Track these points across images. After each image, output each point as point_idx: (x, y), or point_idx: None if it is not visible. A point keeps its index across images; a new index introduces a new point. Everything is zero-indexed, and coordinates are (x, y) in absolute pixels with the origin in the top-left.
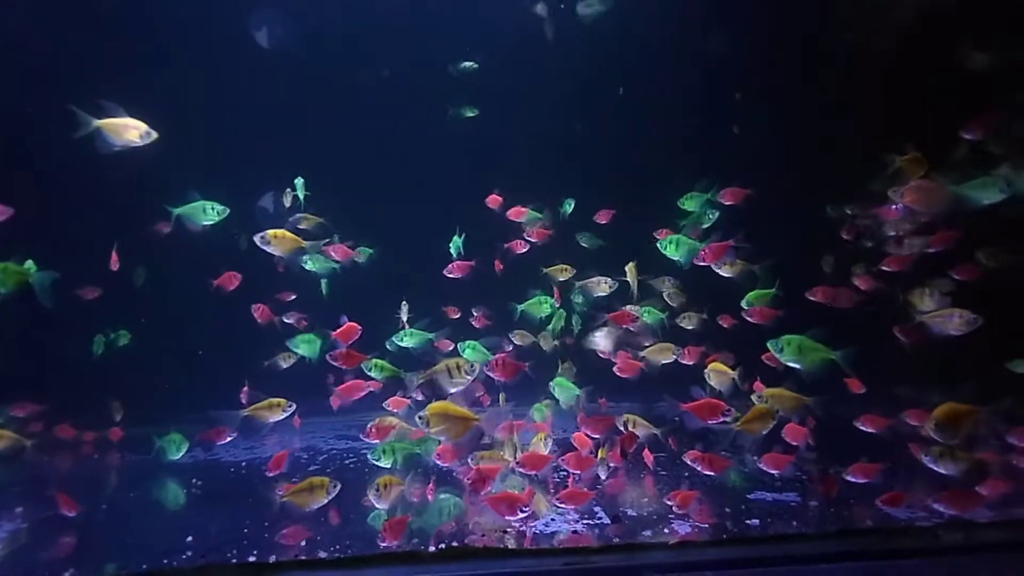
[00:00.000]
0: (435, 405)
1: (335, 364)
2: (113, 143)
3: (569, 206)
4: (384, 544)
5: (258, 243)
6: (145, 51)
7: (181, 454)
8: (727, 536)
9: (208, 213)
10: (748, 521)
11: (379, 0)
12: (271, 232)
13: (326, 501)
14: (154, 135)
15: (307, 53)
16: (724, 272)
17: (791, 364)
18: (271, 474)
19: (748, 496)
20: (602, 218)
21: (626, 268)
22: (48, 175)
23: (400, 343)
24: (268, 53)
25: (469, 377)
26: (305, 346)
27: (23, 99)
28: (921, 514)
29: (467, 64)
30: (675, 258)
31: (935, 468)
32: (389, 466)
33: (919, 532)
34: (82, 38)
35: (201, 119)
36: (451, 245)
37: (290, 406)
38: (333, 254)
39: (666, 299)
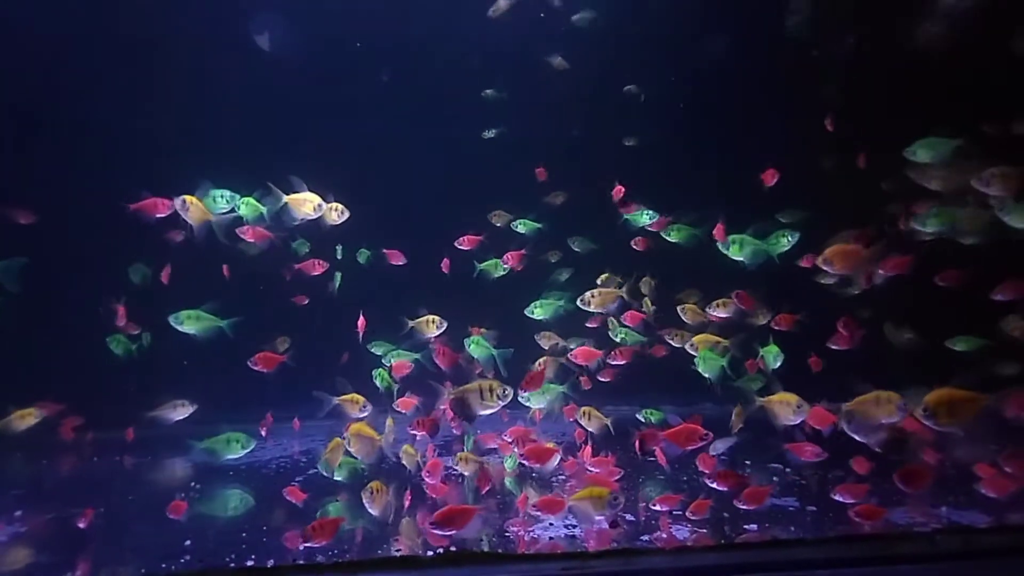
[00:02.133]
0: (354, 426)
1: (255, 368)
2: (295, 216)
3: (647, 217)
4: (307, 544)
5: (178, 207)
6: (148, 53)
7: (243, 452)
8: (725, 541)
9: (218, 202)
10: (746, 526)
11: (379, 4)
12: (188, 196)
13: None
14: (324, 208)
15: (307, 56)
16: (719, 313)
17: (708, 376)
18: (172, 516)
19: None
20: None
21: (641, 283)
22: (54, 178)
23: (387, 361)
24: (269, 56)
25: (501, 402)
26: (190, 322)
27: (27, 100)
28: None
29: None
30: (739, 259)
31: (855, 437)
32: (341, 479)
33: (917, 537)
34: (86, 38)
35: (202, 123)
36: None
37: (366, 406)
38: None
39: (680, 314)
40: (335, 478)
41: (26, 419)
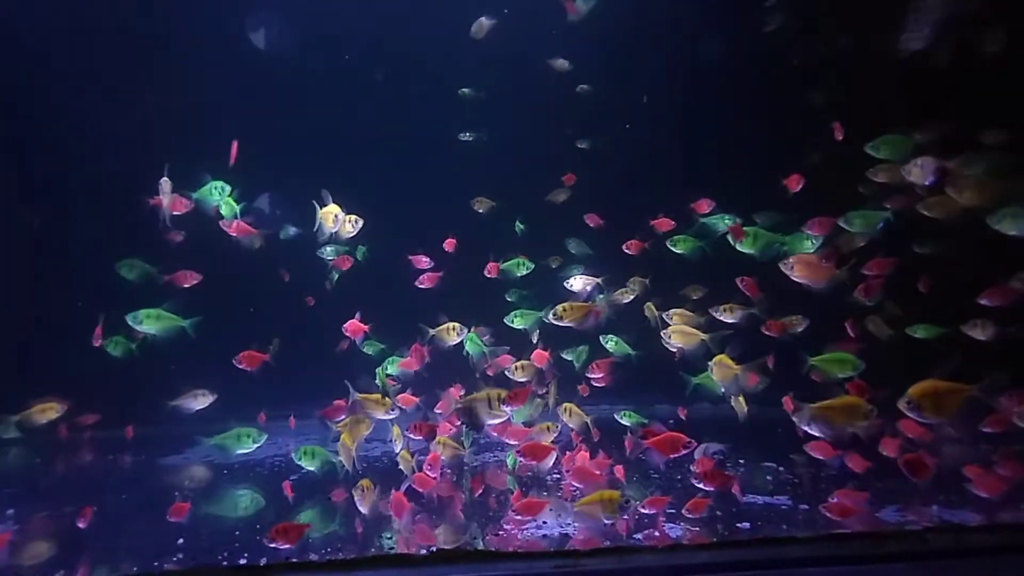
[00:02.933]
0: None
1: (239, 366)
2: (325, 230)
3: (728, 222)
4: (272, 545)
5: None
6: (145, 54)
7: (254, 447)
8: (718, 539)
9: (214, 194)
10: (739, 524)
11: (374, 4)
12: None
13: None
14: (341, 219)
15: (302, 55)
16: (725, 318)
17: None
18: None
19: (739, 499)
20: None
21: (645, 306)
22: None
23: (386, 370)
24: (264, 54)
25: (507, 411)
26: (150, 322)
27: (27, 100)
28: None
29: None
30: (750, 252)
31: (807, 430)
32: (314, 468)
33: (908, 536)
34: (85, 38)
35: (202, 124)
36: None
37: (393, 409)
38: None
39: (666, 319)
40: (310, 467)
41: (47, 412)
